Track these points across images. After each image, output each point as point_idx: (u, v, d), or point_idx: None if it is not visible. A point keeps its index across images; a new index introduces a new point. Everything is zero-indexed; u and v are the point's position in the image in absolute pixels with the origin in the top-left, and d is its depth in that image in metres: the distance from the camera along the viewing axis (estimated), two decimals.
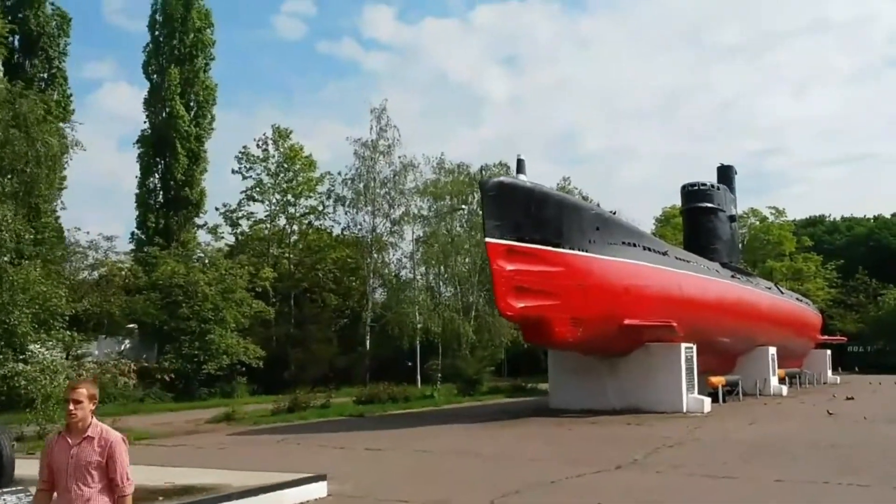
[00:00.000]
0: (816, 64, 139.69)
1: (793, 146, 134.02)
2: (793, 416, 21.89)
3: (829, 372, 46.52)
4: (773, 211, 76.75)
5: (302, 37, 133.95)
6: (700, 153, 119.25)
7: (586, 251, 21.25)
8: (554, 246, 20.12)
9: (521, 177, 19.95)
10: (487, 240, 18.74)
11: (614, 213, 24.39)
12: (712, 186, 34.16)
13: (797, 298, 46.32)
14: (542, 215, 19.92)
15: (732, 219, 35.12)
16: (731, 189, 37.00)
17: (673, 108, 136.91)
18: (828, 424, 19.09)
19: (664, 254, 26.29)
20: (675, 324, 22.53)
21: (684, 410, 22.95)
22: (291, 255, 42.94)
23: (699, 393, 24.61)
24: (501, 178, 19.36)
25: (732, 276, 32.74)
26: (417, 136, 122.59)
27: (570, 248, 20.60)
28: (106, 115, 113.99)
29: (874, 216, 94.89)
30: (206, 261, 33.47)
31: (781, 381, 34.94)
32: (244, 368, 32.45)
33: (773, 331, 35.42)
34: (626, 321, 22.27)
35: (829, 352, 47.28)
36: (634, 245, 24.14)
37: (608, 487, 10.45)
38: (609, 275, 21.91)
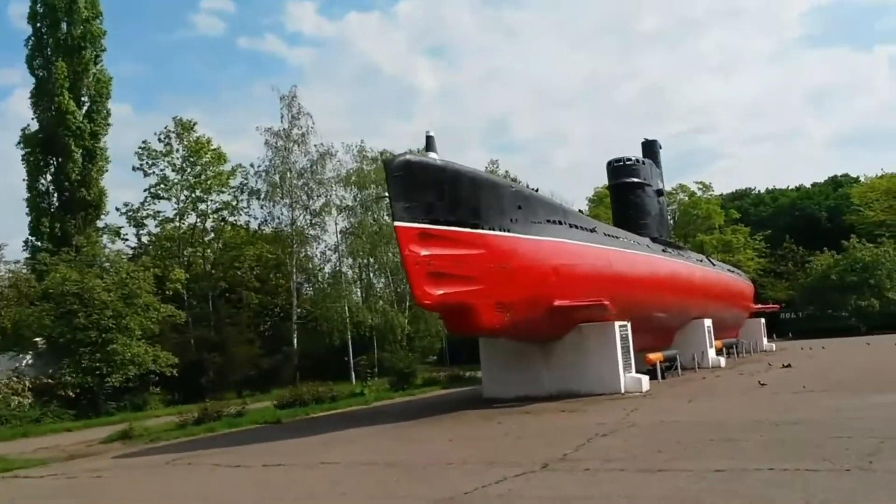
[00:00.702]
0: (737, 47, 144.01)
1: (720, 125, 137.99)
2: (731, 391, 21.02)
3: (765, 340, 46.85)
4: (701, 186, 78.00)
5: (222, 33, 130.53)
6: (631, 135, 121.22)
7: (509, 231, 19.84)
8: (472, 227, 18.61)
9: (432, 155, 18.33)
10: (396, 224, 17.04)
11: (536, 191, 23.00)
12: (637, 161, 33.33)
13: (729, 269, 46.35)
14: (457, 195, 18.33)
15: (660, 193, 34.40)
16: (657, 163, 36.33)
17: (602, 93, 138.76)
18: (768, 399, 18.17)
19: (592, 230, 25.16)
20: (606, 302, 21.39)
21: (622, 391, 21.95)
22: (207, 254, 40.36)
23: (637, 371, 23.70)
24: (408, 157, 17.66)
25: (663, 251, 32.00)
26: (348, 131, 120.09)
27: (490, 229, 19.13)
28: (19, 121, 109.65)
29: (797, 187, 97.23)
30: (107, 265, 30.63)
31: (719, 352, 34.70)
32: (157, 378, 30.12)
33: (708, 302, 34.98)
34: (557, 302, 21.02)
35: (763, 320, 47.53)
36: (560, 223, 22.87)
37: (530, 494, 9.02)
38: (535, 255, 20.56)
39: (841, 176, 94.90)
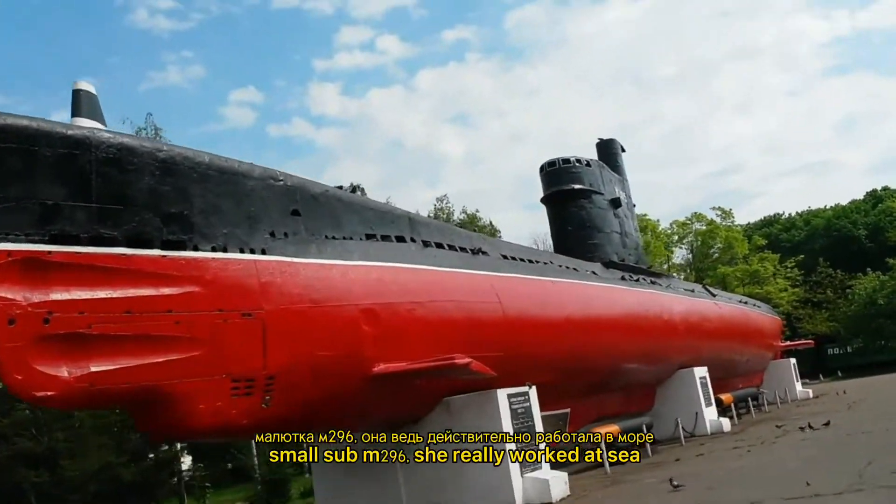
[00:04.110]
0: (754, 84, 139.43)
1: (747, 163, 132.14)
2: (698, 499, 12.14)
3: (798, 385, 37.25)
4: (720, 213, 68.65)
5: (253, 123, 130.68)
6: (660, 181, 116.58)
7: (264, 252, 11.63)
8: (168, 246, 10.49)
9: (83, 121, 10.38)
10: None
11: (356, 191, 14.79)
12: (579, 162, 25.08)
13: (741, 301, 37.21)
14: (128, 189, 10.24)
15: (616, 203, 25.80)
16: (615, 167, 28.05)
17: (627, 141, 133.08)
18: None
19: (476, 252, 16.76)
20: (465, 361, 12.67)
21: (518, 502, 13.35)
22: None
23: (555, 464, 15.19)
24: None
25: (622, 278, 23.37)
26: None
27: (212, 250, 10.97)
28: None
29: (832, 206, 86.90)
30: None
31: (725, 410, 25.93)
32: None
33: (701, 344, 26.04)
34: (378, 367, 12.60)
35: (793, 361, 37.93)
36: (402, 239, 14.65)
37: None
38: (324, 291, 12.20)
39: (881, 190, 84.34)
